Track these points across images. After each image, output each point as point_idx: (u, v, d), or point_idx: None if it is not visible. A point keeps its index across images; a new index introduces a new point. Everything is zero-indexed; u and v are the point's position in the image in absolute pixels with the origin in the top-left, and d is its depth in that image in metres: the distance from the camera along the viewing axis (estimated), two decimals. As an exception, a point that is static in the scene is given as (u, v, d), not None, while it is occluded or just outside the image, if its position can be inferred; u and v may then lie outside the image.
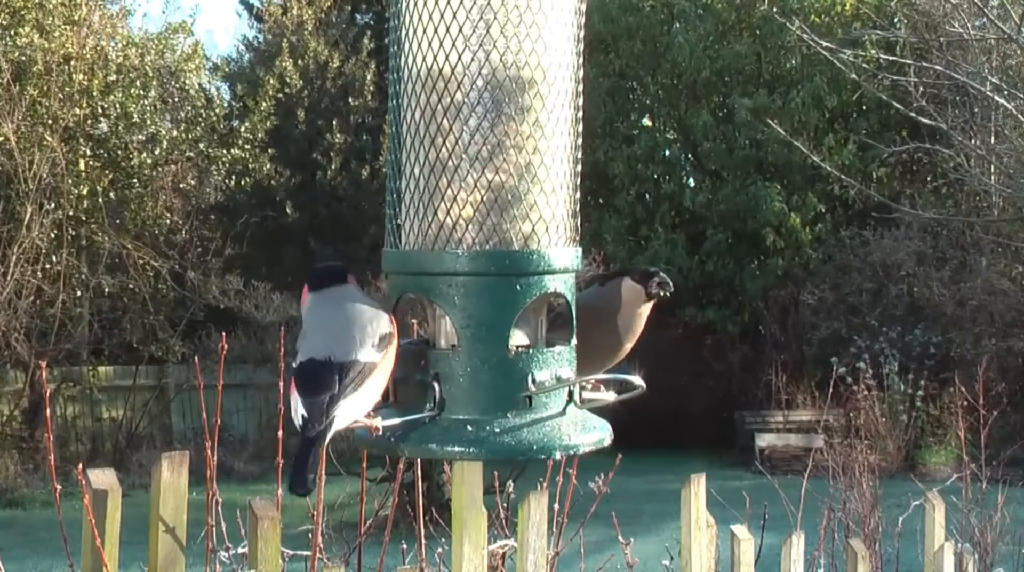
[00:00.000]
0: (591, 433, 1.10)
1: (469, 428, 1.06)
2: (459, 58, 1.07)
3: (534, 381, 1.08)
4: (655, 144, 15.57)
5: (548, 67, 1.09)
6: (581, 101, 1.15)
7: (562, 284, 1.11)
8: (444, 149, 1.07)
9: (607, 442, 1.12)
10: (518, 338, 1.12)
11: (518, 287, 1.07)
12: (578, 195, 1.15)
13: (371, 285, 8.13)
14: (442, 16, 1.07)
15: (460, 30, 1.06)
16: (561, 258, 1.10)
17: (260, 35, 17.85)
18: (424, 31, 1.08)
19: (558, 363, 1.10)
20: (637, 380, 1.12)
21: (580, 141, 1.15)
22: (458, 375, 1.08)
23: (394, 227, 1.14)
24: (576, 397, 1.11)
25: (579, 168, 1.15)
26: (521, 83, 1.07)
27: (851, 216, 14.93)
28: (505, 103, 1.07)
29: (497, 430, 1.06)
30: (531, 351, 1.10)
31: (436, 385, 1.07)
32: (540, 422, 1.07)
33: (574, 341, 1.14)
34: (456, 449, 1.06)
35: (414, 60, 1.10)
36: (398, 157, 1.13)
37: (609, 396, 1.16)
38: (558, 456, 1.08)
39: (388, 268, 1.14)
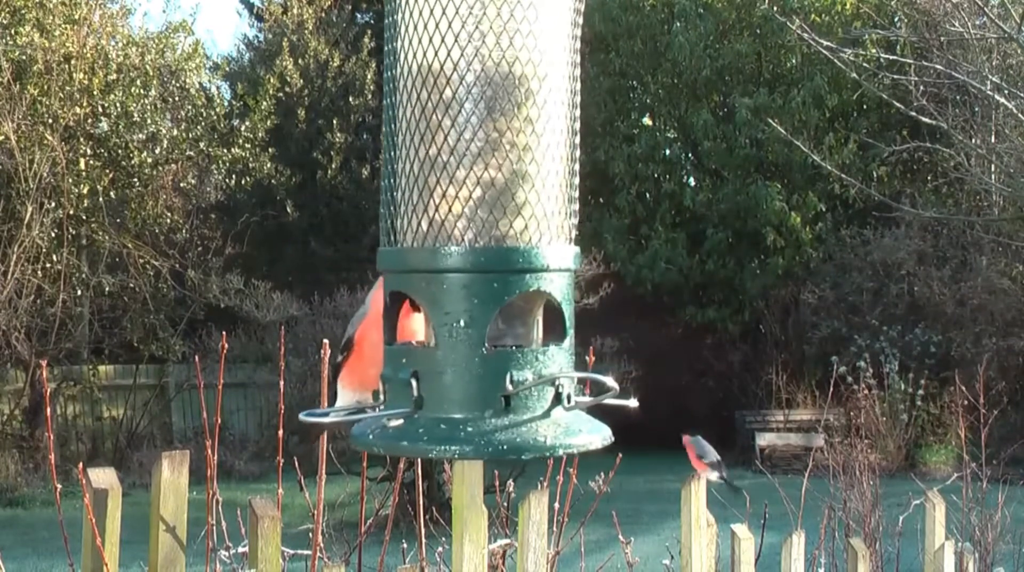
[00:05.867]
0: (575, 436, 1.08)
1: (443, 427, 1.06)
2: (448, 54, 1.07)
3: (512, 380, 1.07)
4: (655, 143, 15.57)
5: (541, 63, 1.08)
6: (579, 99, 1.15)
7: (550, 283, 1.10)
8: (435, 146, 1.07)
9: (595, 445, 1.09)
10: (511, 338, 1.12)
11: (496, 285, 1.07)
12: (576, 194, 1.15)
13: (371, 284, 8.14)
14: (435, 12, 1.07)
15: (450, 25, 1.06)
16: (548, 257, 1.09)
17: (260, 34, 17.85)
18: (417, 28, 1.08)
19: (542, 363, 1.09)
20: (610, 381, 1.10)
21: (578, 139, 1.15)
22: (436, 373, 1.07)
23: (388, 225, 1.14)
24: (565, 399, 1.10)
25: (576, 167, 1.15)
26: (511, 79, 1.07)
27: (851, 215, 14.93)
28: (495, 99, 1.07)
29: (470, 430, 1.05)
30: (511, 350, 1.09)
31: (414, 383, 1.08)
32: (518, 424, 1.07)
33: (568, 341, 1.13)
34: (427, 447, 1.06)
35: (407, 57, 1.10)
36: (391, 155, 1.14)
37: (603, 399, 1.14)
38: (528, 457, 1.07)
39: (379, 266, 1.15)
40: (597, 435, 1.10)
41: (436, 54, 1.07)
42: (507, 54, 1.07)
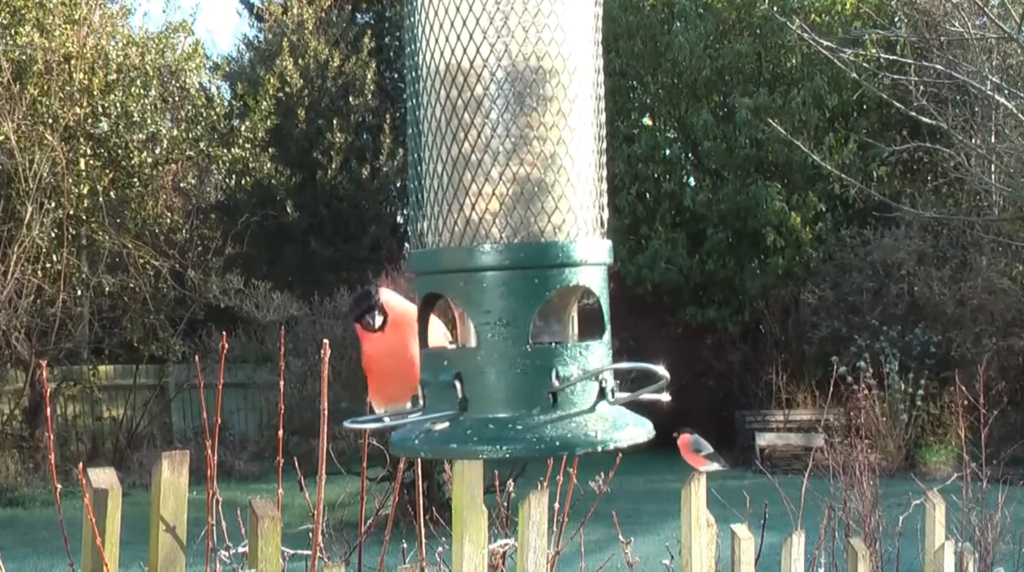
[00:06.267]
0: (623, 430, 1.08)
1: (491, 427, 1.05)
2: (478, 51, 1.06)
3: (558, 377, 1.07)
4: (655, 143, 15.57)
5: (568, 56, 1.08)
6: (603, 91, 1.15)
7: (588, 277, 1.10)
8: (467, 144, 1.07)
9: (641, 439, 1.09)
10: (548, 334, 1.12)
11: (536, 281, 1.06)
12: (605, 187, 1.14)
13: (372, 284, 8.15)
14: (460, 9, 1.07)
15: (478, 22, 1.06)
16: (585, 250, 1.08)
17: (260, 34, 17.85)
18: (443, 27, 1.08)
19: (585, 358, 1.09)
20: (661, 370, 1.11)
21: (604, 131, 1.15)
22: (479, 373, 1.06)
23: (418, 227, 1.13)
24: (608, 394, 1.10)
25: (604, 159, 1.15)
26: (542, 73, 1.07)
27: (851, 215, 14.93)
28: (526, 94, 1.07)
29: (520, 428, 1.04)
30: (554, 346, 1.09)
31: (458, 384, 1.07)
32: (566, 419, 1.07)
33: (606, 336, 1.13)
34: (477, 448, 1.05)
35: (432, 57, 1.09)
36: (420, 155, 1.13)
37: (642, 393, 1.14)
38: (580, 453, 1.07)
39: (412, 269, 1.15)
40: (642, 429, 1.11)
41: (465, 52, 1.07)
42: (536, 48, 1.06)
